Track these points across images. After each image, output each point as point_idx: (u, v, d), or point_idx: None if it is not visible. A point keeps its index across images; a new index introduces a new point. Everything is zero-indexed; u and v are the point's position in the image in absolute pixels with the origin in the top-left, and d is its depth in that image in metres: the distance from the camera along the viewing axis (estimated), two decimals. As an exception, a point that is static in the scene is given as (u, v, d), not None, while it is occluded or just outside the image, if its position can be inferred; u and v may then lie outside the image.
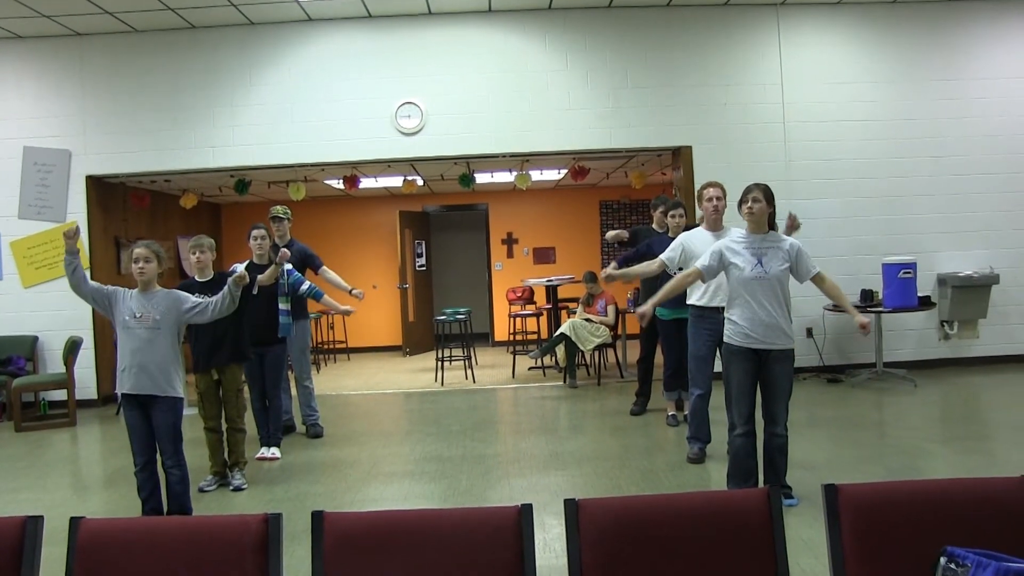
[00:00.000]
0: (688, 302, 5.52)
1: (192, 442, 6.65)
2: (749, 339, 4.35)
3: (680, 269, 5.86)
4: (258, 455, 6.13)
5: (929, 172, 8.90)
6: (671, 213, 6.21)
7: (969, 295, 8.72)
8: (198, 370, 5.37)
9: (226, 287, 4.62)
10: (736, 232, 4.59)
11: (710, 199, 5.36)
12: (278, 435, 6.31)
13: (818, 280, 4.44)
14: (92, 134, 8.79)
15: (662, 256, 5.42)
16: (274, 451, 6.20)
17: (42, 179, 8.77)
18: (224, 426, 5.49)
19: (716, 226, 5.38)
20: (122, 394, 4.45)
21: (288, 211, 7.01)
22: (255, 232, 6.27)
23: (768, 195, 4.37)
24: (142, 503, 4.48)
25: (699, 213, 5.68)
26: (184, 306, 4.48)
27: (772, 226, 4.46)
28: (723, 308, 4.75)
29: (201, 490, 5.31)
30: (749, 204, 4.36)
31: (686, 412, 6.03)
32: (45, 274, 8.75)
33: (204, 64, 8.79)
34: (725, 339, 4.49)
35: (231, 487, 5.40)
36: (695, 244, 5.28)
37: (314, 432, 6.93)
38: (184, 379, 4.56)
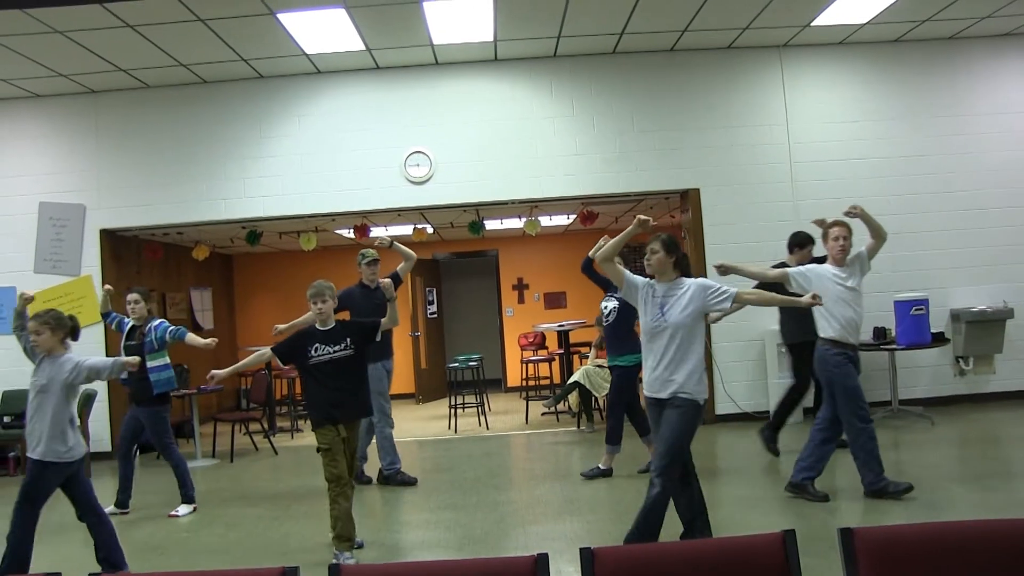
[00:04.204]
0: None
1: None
2: (649, 388, 4.39)
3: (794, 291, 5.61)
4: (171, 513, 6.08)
5: (938, 208, 8.90)
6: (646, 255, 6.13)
7: (984, 330, 8.64)
8: (319, 426, 4.86)
9: (113, 363, 4.68)
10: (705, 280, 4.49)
11: (836, 238, 5.53)
12: (188, 492, 6.23)
13: (740, 300, 4.38)
14: (106, 188, 8.91)
15: (791, 269, 5.57)
16: (183, 508, 6.16)
17: (57, 233, 8.87)
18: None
19: (841, 262, 5.52)
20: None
21: (375, 251, 7.01)
22: (130, 296, 6.33)
23: (667, 245, 4.35)
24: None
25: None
26: (64, 374, 4.46)
27: (686, 273, 4.43)
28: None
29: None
30: (647, 256, 4.39)
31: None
32: (59, 328, 8.78)
33: (216, 118, 8.93)
34: None
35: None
36: (816, 274, 5.44)
37: (401, 479, 6.83)
38: (79, 441, 4.53)
